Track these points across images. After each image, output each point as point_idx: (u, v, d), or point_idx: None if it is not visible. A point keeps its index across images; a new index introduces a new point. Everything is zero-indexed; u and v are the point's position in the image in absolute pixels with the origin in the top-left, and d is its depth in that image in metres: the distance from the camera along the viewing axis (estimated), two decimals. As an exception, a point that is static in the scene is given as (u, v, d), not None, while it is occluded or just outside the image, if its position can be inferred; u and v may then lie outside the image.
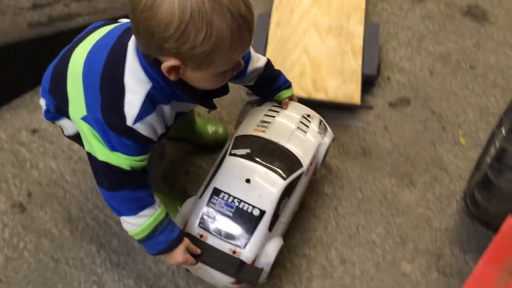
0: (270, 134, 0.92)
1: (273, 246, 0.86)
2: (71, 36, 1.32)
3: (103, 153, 0.74)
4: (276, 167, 0.88)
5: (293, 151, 0.91)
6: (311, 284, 0.98)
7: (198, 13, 0.60)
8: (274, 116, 0.96)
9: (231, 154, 0.90)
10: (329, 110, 1.22)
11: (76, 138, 0.88)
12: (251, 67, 0.89)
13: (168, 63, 0.65)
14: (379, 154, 1.16)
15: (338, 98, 1.19)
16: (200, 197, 0.88)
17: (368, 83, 1.25)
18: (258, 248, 0.84)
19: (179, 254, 0.79)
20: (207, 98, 0.79)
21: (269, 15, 1.30)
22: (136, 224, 0.78)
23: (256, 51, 0.92)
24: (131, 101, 0.70)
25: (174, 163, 1.15)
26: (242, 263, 0.82)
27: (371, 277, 0.99)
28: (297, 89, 1.21)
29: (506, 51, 1.33)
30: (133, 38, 0.70)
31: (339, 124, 1.21)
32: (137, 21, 0.64)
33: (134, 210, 0.77)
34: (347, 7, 1.30)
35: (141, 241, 0.80)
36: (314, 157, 0.95)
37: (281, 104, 1.00)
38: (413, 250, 1.02)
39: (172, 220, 0.81)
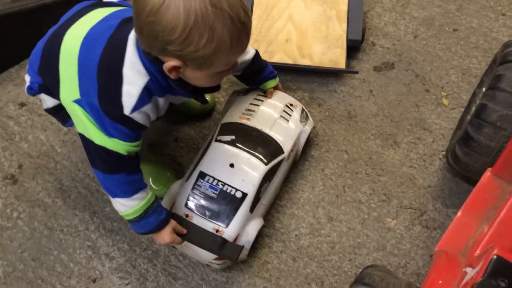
0: (254, 122, 0.97)
1: (254, 226, 0.92)
2: (54, 9, 1.30)
3: (100, 138, 0.76)
4: (259, 153, 0.94)
5: (275, 138, 0.97)
6: (300, 242, 1.01)
7: (202, 18, 0.63)
8: (258, 105, 1.01)
9: (216, 140, 0.95)
10: (315, 76, 1.24)
11: (54, 112, 0.90)
12: (239, 59, 0.91)
13: (170, 63, 0.69)
14: (364, 117, 1.18)
15: (323, 64, 1.20)
16: (187, 180, 0.93)
17: (353, 49, 1.26)
18: (240, 227, 0.89)
19: (166, 235, 0.84)
20: (199, 93, 0.83)
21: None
22: (129, 205, 0.81)
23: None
24: (129, 92, 0.73)
25: (163, 131, 1.16)
26: (224, 241, 0.86)
27: (357, 233, 1.02)
28: (283, 56, 1.22)
29: (488, 14, 1.35)
30: (133, 32, 0.73)
31: (325, 90, 1.23)
32: (142, 25, 0.66)
33: (128, 193, 0.80)
34: (331, -27, 1.30)
35: (131, 221, 0.83)
36: (295, 144, 1.01)
37: (266, 93, 1.03)
38: (398, 206, 1.05)
39: (160, 203, 0.85)
